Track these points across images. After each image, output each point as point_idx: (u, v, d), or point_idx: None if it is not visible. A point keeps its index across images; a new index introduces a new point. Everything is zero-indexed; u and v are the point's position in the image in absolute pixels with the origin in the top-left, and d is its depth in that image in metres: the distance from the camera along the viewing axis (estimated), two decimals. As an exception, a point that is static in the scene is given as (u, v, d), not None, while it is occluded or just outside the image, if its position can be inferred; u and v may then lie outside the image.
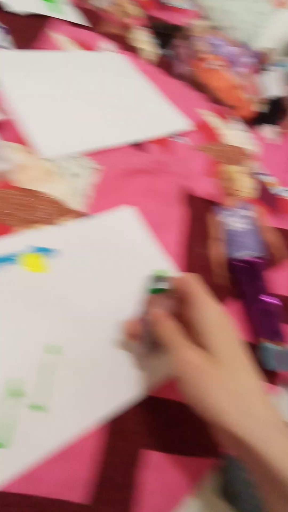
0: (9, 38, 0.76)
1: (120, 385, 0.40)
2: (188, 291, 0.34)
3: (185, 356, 0.31)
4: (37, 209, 0.49)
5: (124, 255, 0.52)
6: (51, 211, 0.50)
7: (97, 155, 0.62)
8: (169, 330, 0.34)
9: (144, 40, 0.88)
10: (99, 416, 0.37)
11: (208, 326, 0.32)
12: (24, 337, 0.39)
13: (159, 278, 0.37)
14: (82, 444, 0.36)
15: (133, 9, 0.92)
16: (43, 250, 0.47)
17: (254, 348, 0.47)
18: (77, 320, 0.43)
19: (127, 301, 0.43)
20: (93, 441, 0.37)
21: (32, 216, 0.48)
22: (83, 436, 0.36)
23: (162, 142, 0.69)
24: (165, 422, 0.40)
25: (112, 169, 0.61)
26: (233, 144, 0.77)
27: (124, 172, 0.61)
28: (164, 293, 0.37)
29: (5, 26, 0.77)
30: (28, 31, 0.80)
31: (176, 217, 0.60)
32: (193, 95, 0.85)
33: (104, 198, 0.57)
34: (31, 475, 0.33)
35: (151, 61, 0.88)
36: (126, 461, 0.37)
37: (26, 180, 0.52)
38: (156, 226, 0.57)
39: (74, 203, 0.53)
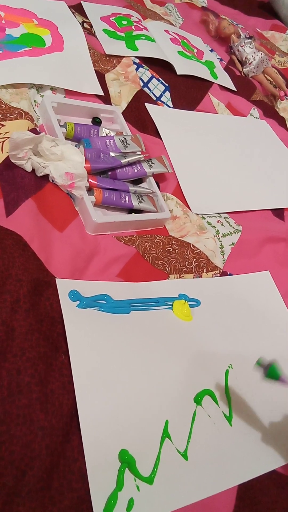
0: (169, 95, 0.84)
1: (259, 452, 0.41)
2: None
3: None
4: (189, 261, 0.53)
5: (258, 317, 0.54)
6: (200, 264, 0.54)
7: (238, 215, 0.66)
8: None
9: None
10: (234, 478, 0.39)
11: None
12: (172, 381, 0.42)
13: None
14: (213, 501, 0.38)
15: (281, 80, 0.97)
16: (191, 300, 0.51)
17: None
18: (217, 372, 0.45)
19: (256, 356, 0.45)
20: (222, 501, 0.38)
21: (185, 267, 0.53)
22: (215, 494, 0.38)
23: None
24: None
25: (251, 231, 0.64)
26: None
27: (263, 236, 0.64)
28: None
29: (167, 84, 0.86)
30: (185, 91, 0.88)
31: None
32: None
33: (241, 258, 0.60)
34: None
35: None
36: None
37: (179, 231, 0.57)
38: (288, 295, 0.59)
39: (217, 260, 0.57)
